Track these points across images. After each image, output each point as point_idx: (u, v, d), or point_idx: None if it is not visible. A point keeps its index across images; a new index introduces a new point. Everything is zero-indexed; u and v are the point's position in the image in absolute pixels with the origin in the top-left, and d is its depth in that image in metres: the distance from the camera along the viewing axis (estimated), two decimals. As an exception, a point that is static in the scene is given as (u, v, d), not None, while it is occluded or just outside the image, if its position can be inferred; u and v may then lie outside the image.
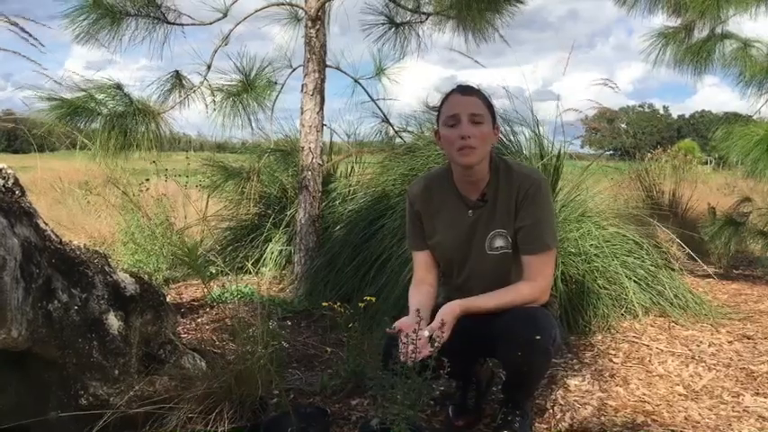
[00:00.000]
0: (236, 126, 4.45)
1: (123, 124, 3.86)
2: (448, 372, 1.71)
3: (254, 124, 4.53)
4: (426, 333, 1.78)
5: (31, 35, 3.12)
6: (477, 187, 2.02)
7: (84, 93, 3.79)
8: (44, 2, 4.65)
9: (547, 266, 1.98)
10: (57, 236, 1.91)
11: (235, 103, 4.39)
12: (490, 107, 2.01)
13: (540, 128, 3.79)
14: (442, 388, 1.72)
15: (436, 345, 1.74)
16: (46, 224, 1.88)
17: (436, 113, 2.09)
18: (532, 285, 1.95)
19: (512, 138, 3.81)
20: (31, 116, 4.03)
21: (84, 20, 3.88)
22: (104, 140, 3.81)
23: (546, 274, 1.98)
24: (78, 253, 1.95)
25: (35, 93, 3.64)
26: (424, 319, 1.84)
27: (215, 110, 4.35)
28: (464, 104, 1.96)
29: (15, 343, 1.68)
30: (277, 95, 4.53)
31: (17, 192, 1.81)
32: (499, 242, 2.00)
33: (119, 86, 3.92)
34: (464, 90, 2.02)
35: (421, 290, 2.07)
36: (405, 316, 1.92)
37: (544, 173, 3.54)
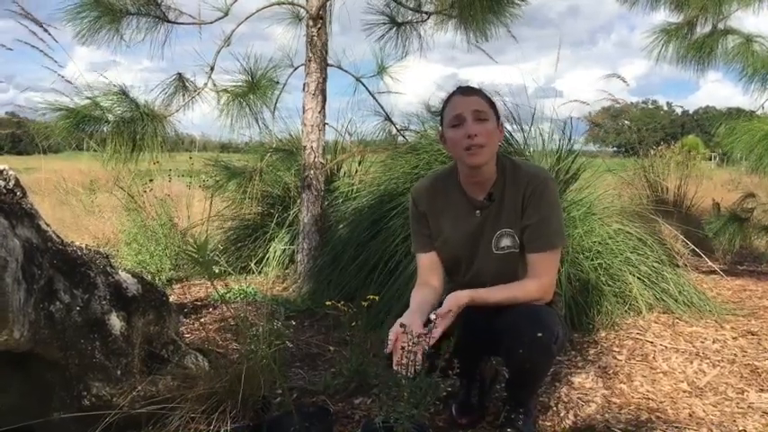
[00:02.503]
0: (243, 127, 4.47)
1: (132, 130, 3.87)
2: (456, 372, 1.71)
3: (260, 124, 4.54)
4: (432, 316, 1.79)
5: (36, 35, 3.14)
6: (484, 187, 2.02)
7: (89, 100, 3.80)
8: (43, 2, 4.66)
9: (552, 265, 1.98)
10: (58, 237, 1.91)
11: (241, 104, 4.39)
12: (493, 105, 2.01)
13: (547, 124, 3.80)
14: (450, 389, 1.71)
15: (433, 327, 1.75)
16: (47, 225, 1.88)
17: (439, 117, 2.09)
18: (537, 283, 1.95)
19: (518, 136, 3.81)
20: (37, 119, 4.04)
21: (85, 18, 3.89)
22: (114, 147, 3.82)
23: (551, 273, 1.97)
24: (80, 253, 1.95)
25: (40, 99, 3.67)
26: (422, 318, 1.85)
27: (221, 111, 4.36)
28: (467, 103, 1.96)
29: (17, 344, 1.68)
30: (279, 95, 4.54)
31: (18, 193, 1.81)
32: (506, 242, 2.00)
33: (123, 92, 3.92)
34: (464, 91, 2.01)
35: (423, 291, 2.05)
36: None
37: (562, 174, 3.54)
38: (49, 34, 3.31)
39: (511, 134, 3.75)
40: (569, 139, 3.77)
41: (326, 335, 3.18)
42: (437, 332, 1.77)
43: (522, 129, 3.83)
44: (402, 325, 1.77)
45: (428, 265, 2.12)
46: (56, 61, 3.44)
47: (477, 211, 2.03)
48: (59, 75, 3.65)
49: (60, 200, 7.34)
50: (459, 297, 1.88)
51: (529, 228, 1.97)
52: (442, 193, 2.10)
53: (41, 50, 3.22)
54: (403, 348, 1.73)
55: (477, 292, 1.92)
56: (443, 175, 2.15)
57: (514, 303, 1.91)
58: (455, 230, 2.06)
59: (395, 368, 1.72)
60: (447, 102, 2.03)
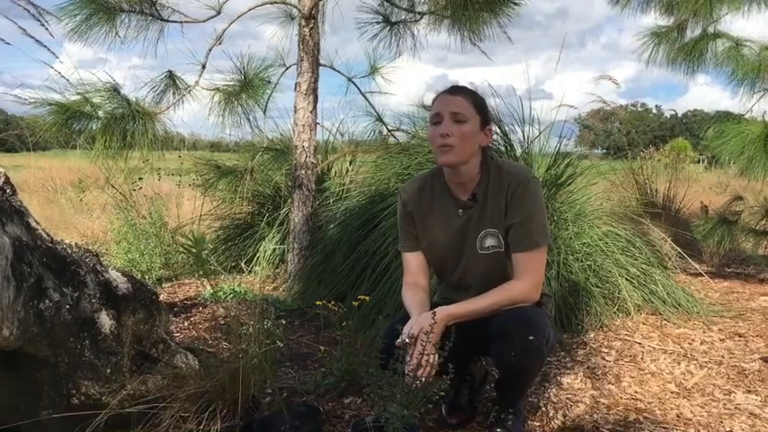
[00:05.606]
0: (234, 125, 4.46)
1: (122, 127, 3.85)
2: (450, 375, 1.72)
3: (251, 123, 4.53)
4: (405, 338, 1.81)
5: (26, 31, 3.11)
6: (467, 187, 2.03)
7: (79, 96, 3.77)
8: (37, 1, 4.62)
9: (537, 264, 1.97)
10: (48, 234, 1.90)
11: (233, 103, 4.39)
12: (480, 108, 1.99)
13: (539, 127, 3.81)
14: (443, 393, 1.72)
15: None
16: (37, 223, 1.87)
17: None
18: (523, 283, 1.94)
19: (510, 137, 3.81)
20: (25, 115, 4.02)
21: (78, 15, 3.86)
22: (104, 143, 3.80)
23: (536, 272, 1.96)
24: (70, 252, 1.94)
25: (29, 95, 3.64)
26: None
27: (212, 110, 4.35)
28: (447, 103, 1.97)
29: (6, 342, 1.67)
30: (270, 94, 4.53)
31: (8, 190, 1.80)
32: (490, 241, 2.00)
33: (115, 89, 3.90)
34: (452, 90, 2.02)
35: (416, 293, 2.05)
36: (397, 316, 1.92)
37: (555, 177, 3.56)
38: (47, 29, 3.27)
39: (506, 134, 3.76)
40: (576, 145, 3.79)
41: (317, 334, 3.18)
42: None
43: (520, 130, 3.84)
44: (412, 336, 1.80)
45: (416, 265, 2.13)
46: (53, 53, 3.41)
47: (461, 211, 2.04)
48: (52, 68, 3.62)
49: (48, 198, 7.30)
50: (437, 320, 1.85)
51: (512, 227, 1.97)
52: (429, 193, 2.11)
53: (38, 41, 3.17)
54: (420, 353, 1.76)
55: (459, 307, 1.92)
56: (431, 175, 2.16)
57: (503, 307, 1.92)
58: (441, 231, 2.07)
59: (413, 383, 1.73)
60: (435, 99, 2.04)
